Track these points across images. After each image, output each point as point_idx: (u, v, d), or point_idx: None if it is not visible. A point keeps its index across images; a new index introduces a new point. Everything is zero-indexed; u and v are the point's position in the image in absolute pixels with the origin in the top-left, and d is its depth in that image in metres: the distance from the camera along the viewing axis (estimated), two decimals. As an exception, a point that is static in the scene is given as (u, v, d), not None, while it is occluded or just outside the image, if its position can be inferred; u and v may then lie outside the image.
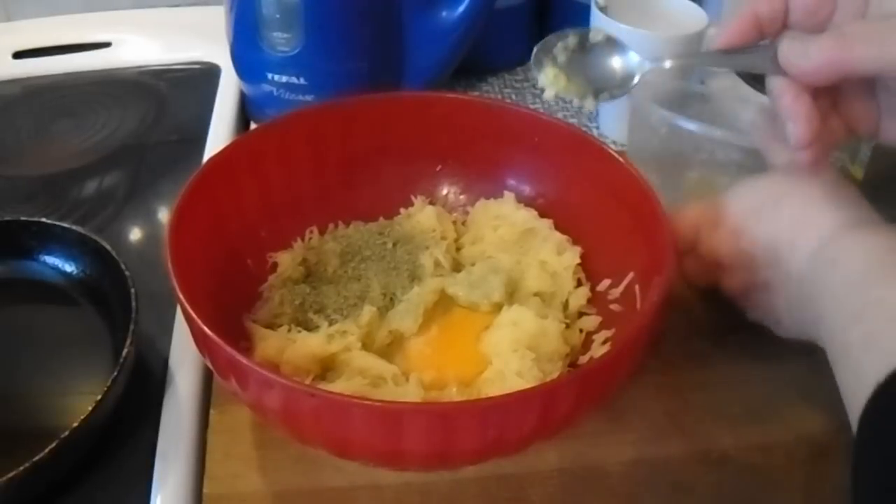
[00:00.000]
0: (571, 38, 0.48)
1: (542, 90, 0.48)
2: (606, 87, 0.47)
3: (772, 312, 0.47)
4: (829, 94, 0.42)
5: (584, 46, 0.48)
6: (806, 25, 0.40)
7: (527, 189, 0.58)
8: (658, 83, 0.66)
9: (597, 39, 0.47)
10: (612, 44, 0.47)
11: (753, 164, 0.51)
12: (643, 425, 0.50)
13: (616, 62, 0.47)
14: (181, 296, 0.41)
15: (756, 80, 0.77)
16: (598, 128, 0.78)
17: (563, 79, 0.47)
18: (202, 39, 0.85)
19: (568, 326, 0.51)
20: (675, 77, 0.69)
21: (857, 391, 0.34)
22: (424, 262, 0.54)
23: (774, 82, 0.40)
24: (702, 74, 0.71)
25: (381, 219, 0.59)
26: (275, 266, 0.55)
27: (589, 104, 0.47)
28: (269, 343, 0.48)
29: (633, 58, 0.46)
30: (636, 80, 0.46)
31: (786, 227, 0.44)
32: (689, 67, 0.45)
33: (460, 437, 0.38)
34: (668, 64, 0.45)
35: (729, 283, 0.48)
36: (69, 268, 0.56)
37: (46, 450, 0.41)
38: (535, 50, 0.48)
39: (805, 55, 0.38)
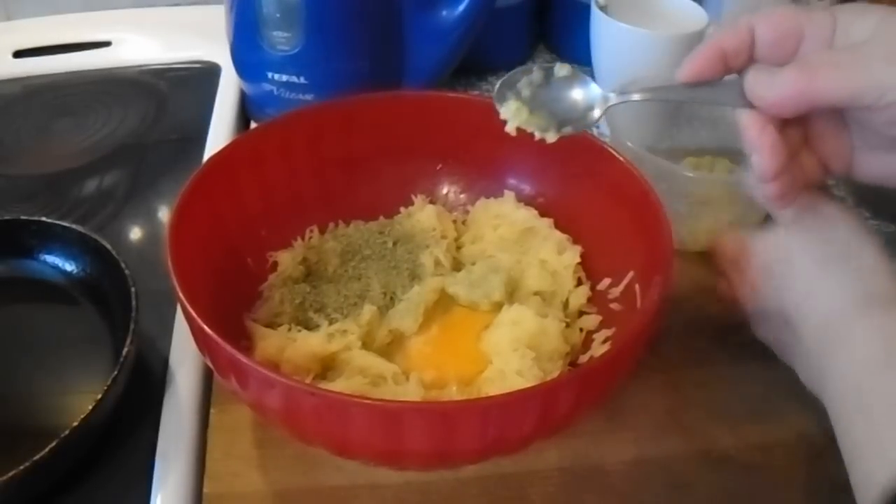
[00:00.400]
0: (536, 73, 0.48)
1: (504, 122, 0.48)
2: (570, 121, 0.47)
3: (793, 363, 0.45)
4: (800, 130, 0.41)
5: (549, 81, 0.48)
6: (772, 59, 0.39)
7: (527, 188, 0.58)
8: (657, 77, 0.66)
9: (561, 74, 0.48)
10: (577, 78, 0.47)
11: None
12: (643, 424, 0.50)
13: (579, 95, 0.47)
14: (181, 295, 0.41)
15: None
16: (598, 127, 0.78)
17: (525, 112, 0.47)
18: (202, 38, 0.85)
19: (568, 325, 0.51)
20: (676, 70, 0.69)
21: (863, 488, 0.34)
22: (425, 261, 0.54)
23: (741, 115, 0.39)
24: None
25: (382, 218, 0.59)
26: (275, 265, 0.55)
27: (550, 137, 0.47)
28: (270, 342, 0.48)
29: (596, 91, 0.46)
30: (598, 113, 0.46)
31: (797, 292, 0.42)
32: (658, 99, 0.44)
33: (460, 436, 0.38)
34: (635, 97, 0.45)
35: (754, 329, 0.48)
36: (69, 267, 0.56)
37: (47, 449, 0.41)
38: (497, 84, 0.48)
39: (771, 85, 0.37)
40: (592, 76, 0.80)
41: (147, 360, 0.52)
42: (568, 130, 0.47)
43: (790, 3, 0.82)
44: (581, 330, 0.52)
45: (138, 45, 0.85)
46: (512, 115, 0.48)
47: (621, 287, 0.50)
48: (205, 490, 0.46)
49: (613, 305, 0.51)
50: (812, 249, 0.42)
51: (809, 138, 0.42)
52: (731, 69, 0.40)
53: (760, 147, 0.39)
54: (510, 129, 0.48)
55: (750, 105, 0.39)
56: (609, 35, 0.71)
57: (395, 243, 0.56)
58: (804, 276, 0.42)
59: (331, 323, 0.50)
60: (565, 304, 0.53)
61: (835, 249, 0.42)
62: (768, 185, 0.40)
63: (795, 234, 0.43)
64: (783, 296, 0.43)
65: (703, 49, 0.40)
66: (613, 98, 0.46)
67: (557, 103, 0.47)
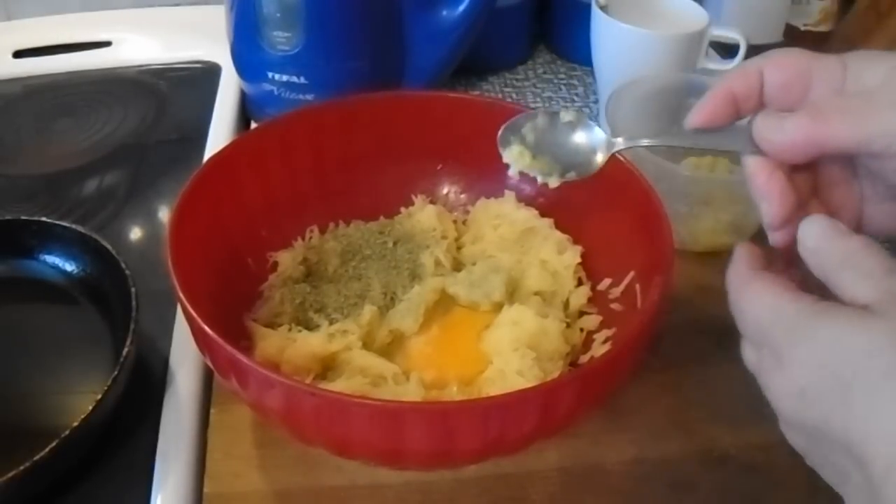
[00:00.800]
0: (541, 119, 0.48)
1: (508, 165, 0.48)
2: (573, 166, 0.46)
3: (843, 491, 0.33)
4: (810, 178, 0.39)
5: (553, 125, 0.47)
6: (782, 103, 0.38)
7: (527, 188, 0.58)
8: (658, 77, 0.66)
9: (567, 119, 0.47)
10: (582, 122, 0.47)
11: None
12: (644, 424, 0.50)
13: (583, 140, 0.47)
14: (181, 295, 0.41)
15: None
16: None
17: (528, 157, 0.47)
18: (202, 38, 0.85)
19: (568, 325, 0.51)
20: (676, 70, 0.69)
21: None
22: (425, 261, 0.54)
23: (749, 161, 0.38)
24: (701, 70, 0.71)
25: (382, 218, 0.59)
26: (275, 265, 0.55)
27: (553, 182, 0.47)
28: (270, 342, 0.48)
29: (601, 135, 0.46)
30: (602, 158, 0.45)
31: (853, 427, 0.30)
32: (666, 142, 0.44)
33: (461, 436, 0.38)
34: (643, 142, 0.44)
35: (783, 428, 0.35)
36: (69, 267, 0.56)
37: (47, 449, 0.41)
38: (501, 129, 0.48)
39: (780, 129, 0.36)
40: (593, 76, 0.80)
41: (147, 360, 0.52)
42: (571, 176, 0.46)
43: (790, 4, 0.83)
44: (581, 330, 0.51)
45: (138, 44, 0.86)
46: (514, 160, 0.48)
47: (622, 287, 0.50)
48: (205, 490, 0.46)
49: (614, 305, 0.51)
50: (876, 365, 0.29)
51: (819, 187, 0.40)
52: (742, 114, 0.39)
53: (769, 194, 0.37)
54: (513, 173, 0.48)
55: (758, 151, 0.37)
56: (609, 35, 0.71)
57: (395, 243, 0.56)
58: (864, 405, 0.29)
59: (331, 323, 0.50)
60: (566, 305, 0.53)
61: None
62: (776, 234, 0.39)
63: (879, 330, 0.29)
64: (852, 422, 0.29)
65: (714, 94, 0.39)
66: (619, 144, 0.45)
67: (561, 147, 0.47)
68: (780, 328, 0.33)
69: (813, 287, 0.34)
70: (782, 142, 0.36)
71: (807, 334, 0.31)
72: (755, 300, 0.34)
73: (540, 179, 0.47)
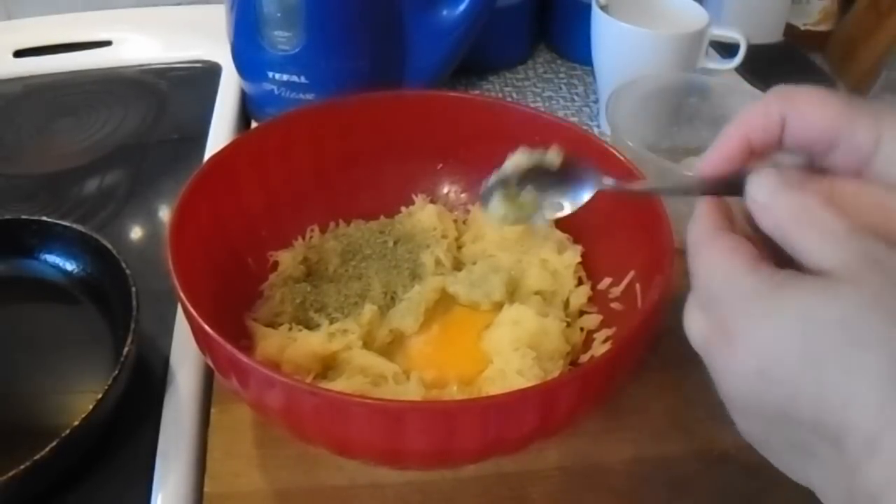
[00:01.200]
0: (522, 157, 0.46)
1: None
2: (559, 203, 0.45)
3: (811, 477, 0.31)
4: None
5: (540, 164, 0.45)
6: (798, 152, 0.34)
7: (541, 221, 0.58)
8: (658, 76, 0.66)
9: (552, 158, 0.45)
10: (570, 161, 0.44)
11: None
12: (644, 424, 0.50)
13: (572, 177, 0.44)
14: (182, 294, 0.41)
15: (757, 78, 0.77)
16: (598, 126, 0.78)
17: (511, 214, 0.46)
18: (203, 38, 0.85)
19: (569, 325, 0.51)
20: (677, 69, 0.69)
21: None
22: (425, 260, 0.54)
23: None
24: (702, 70, 0.71)
25: (382, 217, 0.59)
26: (276, 265, 0.55)
27: (539, 222, 0.45)
28: (270, 341, 0.48)
29: (591, 175, 0.43)
30: (588, 196, 0.43)
31: (827, 404, 0.27)
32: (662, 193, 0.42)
33: (461, 435, 0.38)
34: (635, 188, 0.42)
35: (732, 415, 0.33)
36: (70, 266, 0.56)
37: (47, 448, 0.41)
38: (483, 186, 0.46)
39: (766, 209, 0.31)
40: (593, 75, 0.80)
41: (148, 360, 0.52)
42: (557, 215, 0.45)
43: (790, 4, 0.83)
44: (582, 329, 0.52)
45: (139, 44, 0.86)
46: (499, 221, 0.46)
47: (622, 286, 0.50)
48: (205, 489, 0.46)
49: (614, 305, 0.51)
50: (882, 326, 0.26)
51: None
52: (755, 160, 0.35)
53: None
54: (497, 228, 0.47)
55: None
56: (610, 34, 0.71)
57: (395, 243, 0.56)
58: (870, 369, 0.26)
59: (331, 322, 0.50)
60: (566, 304, 0.53)
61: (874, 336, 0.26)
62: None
63: (850, 297, 0.27)
64: (826, 399, 0.27)
65: (728, 139, 0.35)
66: (608, 184, 0.43)
67: (547, 185, 0.45)
68: (733, 301, 0.30)
69: (774, 252, 0.31)
70: (764, 224, 0.31)
71: (767, 310, 0.28)
72: (710, 262, 0.31)
73: (526, 225, 0.46)
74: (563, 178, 0.44)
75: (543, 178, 0.45)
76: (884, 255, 0.28)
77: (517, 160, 0.45)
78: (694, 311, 0.32)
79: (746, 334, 0.29)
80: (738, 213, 0.33)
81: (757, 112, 0.34)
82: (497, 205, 0.46)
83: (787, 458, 0.31)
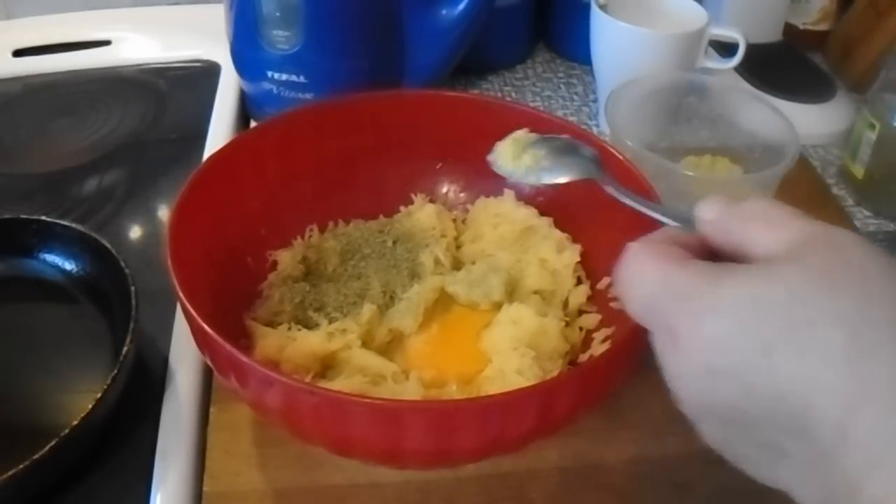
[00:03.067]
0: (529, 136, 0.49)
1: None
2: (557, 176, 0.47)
3: (778, 475, 0.29)
4: None
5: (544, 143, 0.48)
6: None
7: (527, 187, 0.58)
8: (657, 76, 0.66)
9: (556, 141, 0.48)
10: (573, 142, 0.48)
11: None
12: (643, 423, 0.50)
13: (577, 158, 0.47)
14: (181, 294, 0.41)
15: (756, 78, 0.77)
16: (597, 126, 0.78)
17: (519, 151, 0.48)
18: (202, 37, 0.85)
19: (568, 324, 0.51)
20: (676, 69, 0.69)
21: None
22: (424, 260, 0.54)
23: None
24: (701, 70, 0.71)
25: (382, 217, 0.59)
26: (275, 264, 0.55)
27: (531, 179, 0.47)
28: (269, 341, 0.48)
29: (593, 164, 0.46)
30: (577, 178, 0.46)
31: (784, 391, 0.25)
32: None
33: (460, 435, 0.38)
34: (627, 199, 0.42)
35: (694, 422, 0.33)
36: (69, 266, 0.56)
37: (47, 448, 0.41)
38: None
39: (714, 224, 0.31)
40: (592, 75, 0.80)
41: (147, 359, 0.52)
42: (544, 181, 0.47)
43: (789, 3, 0.83)
44: (581, 329, 0.52)
45: (138, 43, 0.85)
46: (504, 155, 0.48)
47: (621, 286, 0.50)
48: (205, 489, 0.46)
49: (613, 304, 0.51)
50: (831, 302, 0.25)
51: None
52: None
53: None
54: (500, 167, 0.49)
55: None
56: (609, 34, 0.71)
57: (394, 242, 0.56)
58: (825, 347, 0.25)
59: (330, 322, 0.50)
60: (565, 303, 0.53)
61: (834, 305, 0.25)
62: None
63: (793, 276, 0.26)
64: (782, 385, 0.25)
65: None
66: (603, 181, 0.44)
67: (554, 156, 0.48)
68: (668, 302, 0.29)
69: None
70: (717, 236, 0.31)
71: (706, 304, 0.27)
72: (641, 271, 0.30)
73: (531, 181, 0.48)
74: (568, 154, 0.47)
75: (554, 151, 0.47)
76: (829, 231, 0.27)
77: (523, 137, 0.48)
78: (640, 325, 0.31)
79: (689, 332, 0.28)
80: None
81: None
82: (503, 156, 0.48)
83: (755, 459, 0.29)
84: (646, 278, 0.30)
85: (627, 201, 0.41)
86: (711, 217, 0.31)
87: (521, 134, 0.49)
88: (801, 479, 0.27)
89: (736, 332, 0.26)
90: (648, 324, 0.30)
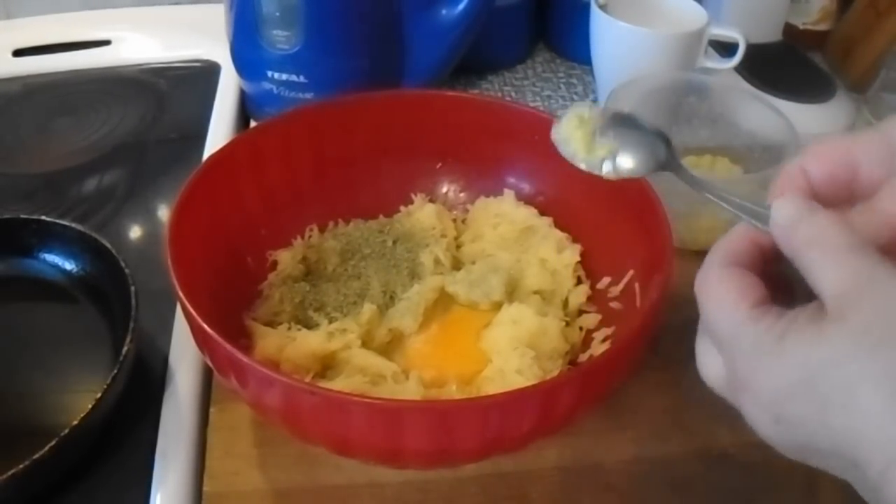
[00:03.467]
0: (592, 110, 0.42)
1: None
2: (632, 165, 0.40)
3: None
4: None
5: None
6: (833, 195, 0.34)
7: (526, 187, 0.58)
8: (657, 76, 0.66)
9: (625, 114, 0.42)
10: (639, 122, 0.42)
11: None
12: (643, 423, 0.50)
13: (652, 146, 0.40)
14: (181, 294, 0.41)
15: (756, 78, 0.77)
16: (598, 126, 0.78)
17: (583, 143, 0.42)
18: (202, 37, 0.84)
19: (568, 324, 0.51)
20: (676, 69, 0.69)
21: None
22: (424, 259, 0.54)
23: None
24: (701, 69, 0.71)
25: (381, 217, 0.59)
26: (275, 264, 0.55)
27: (608, 168, 0.41)
28: (269, 341, 0.48)
29: (669, 150, 0.40)
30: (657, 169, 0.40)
31: (839, 441, 0.28)
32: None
33: (460, 434, 0.38)
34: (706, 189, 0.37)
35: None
36: (69, 266, 0.56)
37: (46, 447, 0.41)
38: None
39: (785, 234, 0.32)
40: (592, 75, 0.80)
41: (147, 359, 0.52)
42: (624, 168, 0.40)
43: (789, 3, 0.83)
44: (581, 329, 0.52)
45: (138, 43, 0.85)
46: (567, 156, 0.42)
47: (621, 286, 0.50)
48: (205, 489, 0.46)
49: (613, 304, 0.51)
50: (873, 364, 0.27)
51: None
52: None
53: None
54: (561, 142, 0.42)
55: None
56: (609, 34, 0.71)
57: (394, 242, 0.56)
58: (867, 407, 0.27)
59: (330, 322, 0.50)
60: (565, 303, 0.53)
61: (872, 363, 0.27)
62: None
63: (839, 337, 0.28)
64: (837, 436, 0.28)
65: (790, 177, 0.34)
66: (683, 170, 0.39)
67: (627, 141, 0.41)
68: (740, 354, 0.31)
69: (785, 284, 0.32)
70: (785, 246, 0.32)
71: (772, 364, 0.30)
72: (716, 305, 0.32)
73: (605, 170, 0.41)
74: (640, 142, 0.41)
75: (626, 132, 0.41)
76: (883, 274, 0.28)
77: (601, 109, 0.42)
78: (708, 352, 0.34)
79: (758, 386, 0.30)
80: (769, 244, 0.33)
81: (780, 175, 0.35)
82: (574, 144, 0.42)
83: (830, 470, 0.32)
84: (721, 316, 0.32)
85: (705, 193, 0.39)
86: (784, 223, 0.32)
87: (585, 111, 0.42)
88: (863, 489, 0.30)
89: (796, 391, 0.29)
90: (720, 356, 0.33)
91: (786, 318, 0.30)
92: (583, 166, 0.41)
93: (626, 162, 0.40)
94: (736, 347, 0.31)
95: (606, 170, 0.41)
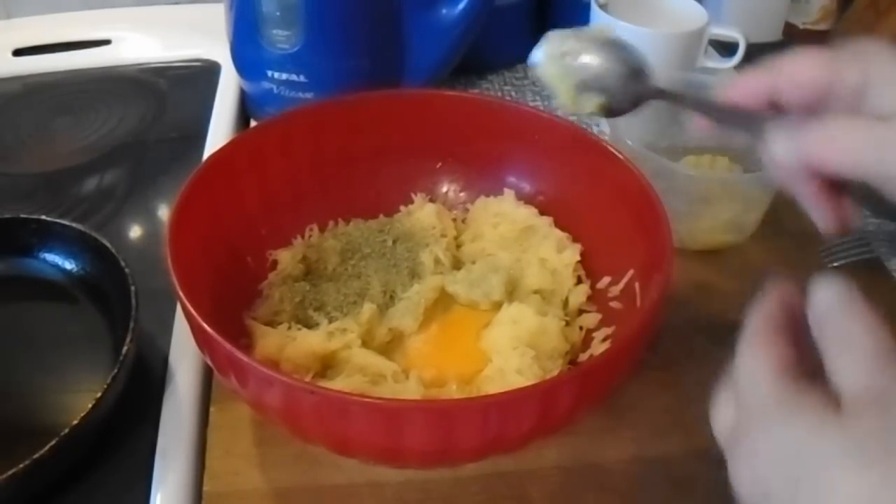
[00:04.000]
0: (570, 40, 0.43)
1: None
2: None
3: None
4: None
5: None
6: (799, 105, 0.36)
7: (527, 186, 0.58)
8: (657, 76, 0.66)
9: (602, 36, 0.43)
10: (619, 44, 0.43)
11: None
12: (643, 423, 0.50)
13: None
14: (181, 293, 0.41)
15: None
16: (597, 125, 0.78)
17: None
18: (202, 37, 0.85)
19: (568, 324, 0.51)
20: (676, 68, 0.69)
21: None
22: (424, 259, 0.54)
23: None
24: (701, 69, 0.71)
25: (382, 216, 0.59)
26: (275, 263, 0.55)
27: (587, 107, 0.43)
28: (269, 340, 0.48)
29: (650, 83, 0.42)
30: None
31: None
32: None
33: (460, 434, 0.38)
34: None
35: None
36: (69, 265, 0.56)
37: (47, 447, 0.41)
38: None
39: (819, 322, 0.31)
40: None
41: (147, 359, 0.52)
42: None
43: (789, 3, 0.83)
44: (581, 328, 0.52)
45: (138, 43, 0.85)
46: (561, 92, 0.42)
47: (621, 285, 0.50)
48: (205, 488, 0.46)
49: (613, 304, 0.51)
50: (855, 476, 0.27)
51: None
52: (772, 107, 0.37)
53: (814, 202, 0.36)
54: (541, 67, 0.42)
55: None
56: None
57: (394, 242, 0.56)
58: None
59: (330, 321, 0.50)
60: (565, 303, 0.53)
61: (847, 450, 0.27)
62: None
63: (833, 438, 0.28)
64: None
65: (756, 77, 0.36)
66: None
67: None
68: (750, 404, 0.31)
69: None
70: (816, 333, 0.32)
71: (773, 423, 0.30)
72: (746, 359, 0.32)
73: (588, 108, 0.43)
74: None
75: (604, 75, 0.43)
76: (887, 388, 0.28)
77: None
78: (724, 401, 0.34)
79: (752, 440, 0.30)
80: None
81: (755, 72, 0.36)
82: (552, 84, 0.42)
83: None
84: (747, 369, 0.32)
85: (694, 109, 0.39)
86: (820, 313, 0.31)
87: (557, 46, 0.42)
88: None
89: (780, 463, 0.29)
90: (734, 406, 0.33)
91: (800, 387, 0.30)
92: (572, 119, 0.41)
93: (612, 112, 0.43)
94: (749, 396, 0.31)
95: (592, 115, 0.43)
